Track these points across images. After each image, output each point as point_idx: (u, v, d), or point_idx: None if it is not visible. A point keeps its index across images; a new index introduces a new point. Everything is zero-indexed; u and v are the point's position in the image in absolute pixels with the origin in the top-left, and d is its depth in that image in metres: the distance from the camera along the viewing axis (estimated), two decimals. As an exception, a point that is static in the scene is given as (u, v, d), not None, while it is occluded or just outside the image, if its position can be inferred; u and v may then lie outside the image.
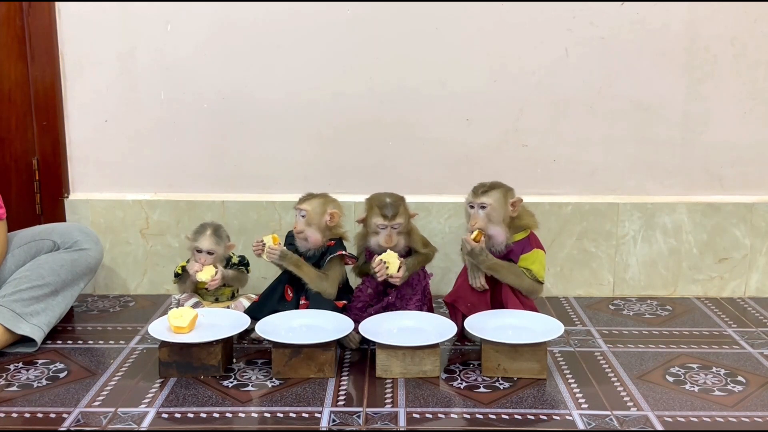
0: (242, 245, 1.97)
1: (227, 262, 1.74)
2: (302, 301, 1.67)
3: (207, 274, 1.69)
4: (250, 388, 1.46)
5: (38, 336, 1.63)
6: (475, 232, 1.59)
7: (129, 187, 2.02)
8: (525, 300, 1.65)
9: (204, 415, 1.35)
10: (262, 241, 1.64)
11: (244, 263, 1.75)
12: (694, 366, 1.57)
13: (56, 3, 1.95)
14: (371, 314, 1.65)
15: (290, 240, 1.71)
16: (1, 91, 1.98)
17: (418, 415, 1.35)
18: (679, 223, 2.01)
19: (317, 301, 1.65)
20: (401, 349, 1.49)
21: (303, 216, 1.64)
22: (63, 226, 1.84)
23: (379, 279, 1.63)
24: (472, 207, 1.64)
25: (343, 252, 1.68)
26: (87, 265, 1.80)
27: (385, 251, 1.65)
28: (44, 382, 1.49)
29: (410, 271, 1.66)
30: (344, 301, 1.69)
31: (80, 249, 1.79)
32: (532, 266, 1.63)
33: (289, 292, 1.69)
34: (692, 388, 1.46)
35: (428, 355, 1.49)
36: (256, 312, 1.63)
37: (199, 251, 1.69)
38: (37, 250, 1.77)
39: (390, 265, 1.62)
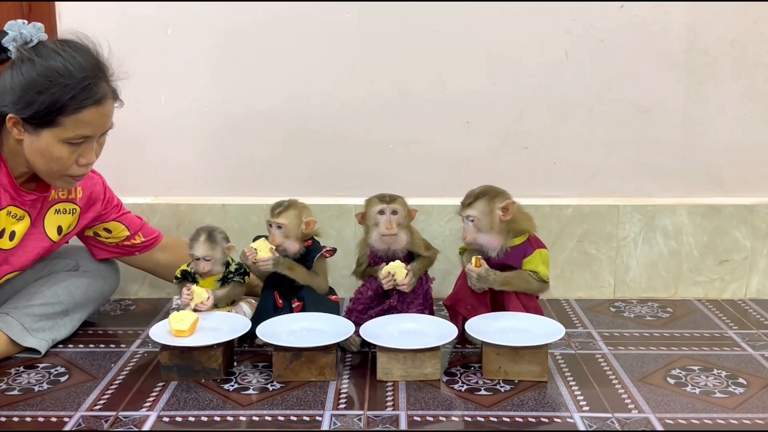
0: (243, 248, 1.96)
1: (225, 271, 1.72)
2: (294, 304, 1.67)
3: (196, 299, 1.64)
4: (250, 391, 1.46)
5: (43, 347, 1.63)
6: (474, 259, 1.59)
7: (129, 191, 2.02)
8: (528, 302, 1.65)
9: (205, 419, 1.35)
10: (254, 249, 1.64)
11: (241, 272, 1.73)
12: (695, 368, 1.57)
13: (56, 4, 1.95)
14: (372, 317, 1.65)
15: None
16: (2, 96, 1.98)
17: (419, 418, 1.35)
18: (680, 225, 2.01)
19: (312, 300, 1.66)
20: (402, 352, 1.49)
21: (279, 228, 1.65)
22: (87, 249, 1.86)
23: (387, 288, 1.63)
24: (463, 218, 1.64)
25: (325, 249, 1.69)
26: (101, 292, 1.82)
27: (389, 254, 1.65)
28: (45, 386, 1.49)
29: (416, 276, 1.66)
30: (335, 296, 1.71)
31: (99, 275, 1.81)
32: (537, 268, 1.63)
33: (279, 299, 1.68)
34: (693, 390, 1.46)
35: (429, 358, 1.49)
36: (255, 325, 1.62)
37: (197, 258, 1.67)
38: (57, 266, 1.79)
39: (397, 274, 1.62)
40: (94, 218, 1.76)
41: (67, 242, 1.77)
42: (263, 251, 1.63)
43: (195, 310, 1.63)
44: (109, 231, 1.80)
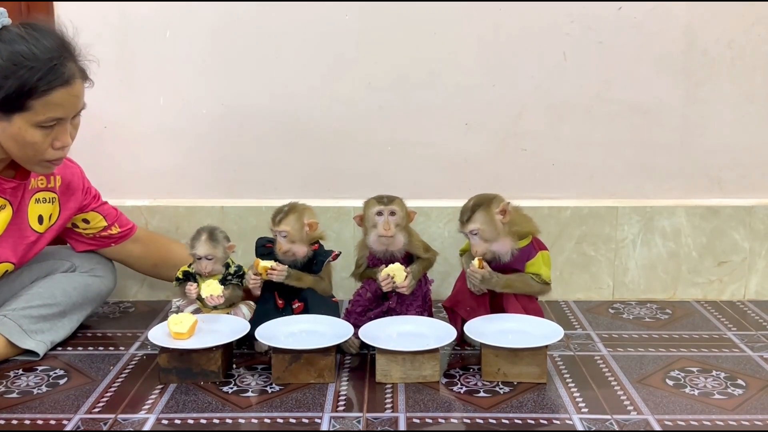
0: (242, 251, 1.96)
1: (224, 272, 1.72)
2: (295, 305, 1.67)
3: (209, 289, 1.64)
4: (249, 393, 1.46)
5: (41, 349, 1.63)
6: (476, 260, 1.59)
7: (128, 193, 2.02)
8: (528, 304, 1.64)
9: (204, 421, 1.35)
10: (258, 274, 1.63)
11: (240, 274, 1.73)
12: (694, 369, 1.57)
13: (54, 4, 1.95)
14: (371, 319, 1.65)
15: (261, 250, 1.71)
16: None
17: (418, 420, 1.35)
18: (678, 226, 2.01)
19: (315, 301, 1.66)
20: (401, 354, 1.49)
21: (285, 236, 1.64)
22: (85, 252, 1.86)
23: (386, 290, 1.63)
24: (466, 234, 1.63)
25: (333, 255, 1.69)
26: (98, 292, 1.82)
27: (388, 256, 1.65)
28: (44, 388, 1.49)
29: (416, 278, 1.66)
30: (334, 298, 1.73)
31: (95, 276, 1.81)
32: (540, 270, 1.63)
33: (279, 299, 1.68)
34: (692, 392, 1.46)
35: (428, 360, 1.49)
36: (253, 326, 1.62)
37: (199, 258, 1.68)
38: (54, 268, 1.79)
39: (396, 276, 1.62)
40: (77, 208, 1.76)
41: (57, 234, 1.76)
42: (272, 265, 1.63)
43: (201, 301, 1.65)
44: (87, 222, 1.80)
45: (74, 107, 1.52)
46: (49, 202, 1.70)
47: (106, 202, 1.84)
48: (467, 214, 1.61)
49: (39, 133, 1.48)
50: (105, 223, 1.82)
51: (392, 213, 1.65)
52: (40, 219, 1.68)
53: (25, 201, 1.65)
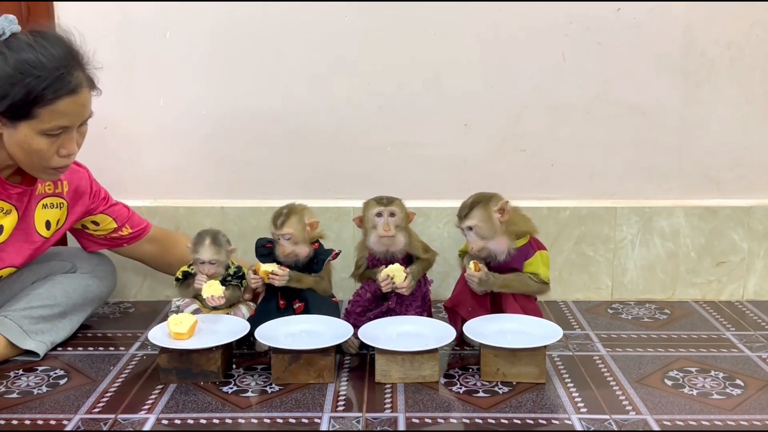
0: (242, 251, 1.96)
1: (224, 274, 1.72)
2: (296, 305, 1.67)
3: (211, 290, 1.65)
4: (249, 393, 1.47)
5: (42, 350, 1.64)
6: (472, 264, 1.60)
7: (128, 194, 2.02)
8: (527, 304, 1.65)
9: (204, 421, 1.36)
10: (259, 277, 1.64)
11: (240, 275, 1.73)
12: (693, 369, 1.58)
13: (54, 5, 1.95)
14: (371, 319, 1.65)
15: (261, 251, 1.71)
16: None
17: (417, 420, 1.35)
18: (677, 226, 2.01)
19: (315, 301, 1.66)
20: (400, 354, 1.49)
21: (288, 239, 1.65)
22: (86, 252, 1.87)
23: (385, 291, 1.64)
24: (464, 230, 1.64)
25: (333, 253, 1.69)
26: (98, 294, 1.83)
27: (388, 256, 1.66)
28: (44, 389, 1.50)
29: (415, 278, 1.67)
30: (334, 297, 1.73)
31: (96, 277, 1.82)
32: (538, 270, 1.64)
33: (281, 300, 1.69)
34: (691, 392, 1.47)
35: (427, 360, 1.50)
36: (255, 326, 1.62)
37: (202, 262, 1.68)
38: (55, 269, 1.80)
39: (396, 277, 1.62)
40: (84, 212, 1.76)
41: (62, 236, 1.77)
42: (273, 269, 1.63)
43: (201, 300, 1.66)
44: (96, 224, 1.81)
45: (80, 116, 1.52)
46: (57, 207, 1.70)
47: (118, 203, 1.84)
48: (465, 210, 1.63)
49: (45, 140, 1.48)
50: (115, 225, 1.82)
51: (392, 214, 1.65)
52: (48, 224, 1.68)
53: (32, 206, 1.65)
